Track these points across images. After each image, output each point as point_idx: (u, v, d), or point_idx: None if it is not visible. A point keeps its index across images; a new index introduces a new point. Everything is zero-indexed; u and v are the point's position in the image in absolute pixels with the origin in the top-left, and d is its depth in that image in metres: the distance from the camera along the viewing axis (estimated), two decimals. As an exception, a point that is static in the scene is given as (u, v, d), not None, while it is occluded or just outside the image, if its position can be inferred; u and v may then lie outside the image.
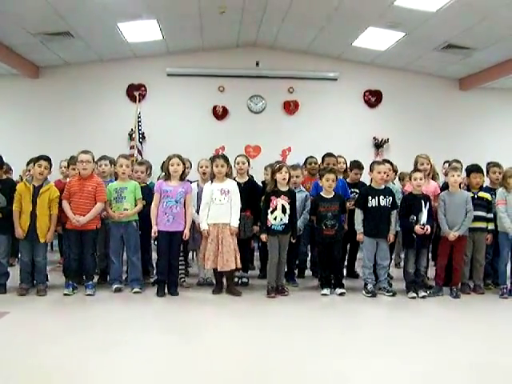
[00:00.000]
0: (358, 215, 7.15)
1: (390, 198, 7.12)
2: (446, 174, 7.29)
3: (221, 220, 6.88)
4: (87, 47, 11.20)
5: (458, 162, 8.22)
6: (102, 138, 11.18)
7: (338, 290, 7.03)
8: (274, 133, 12.44)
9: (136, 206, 7.07)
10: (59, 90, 12.14)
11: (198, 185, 7.44)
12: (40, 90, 12.14)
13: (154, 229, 6.83)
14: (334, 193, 7.18)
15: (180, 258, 7.30)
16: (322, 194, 7.23)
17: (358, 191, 7.74)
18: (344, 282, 7.26)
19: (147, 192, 7.21)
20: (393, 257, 8.08)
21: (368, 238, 7.10)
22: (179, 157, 6.94)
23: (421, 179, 7.03)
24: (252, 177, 7.85)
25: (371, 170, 7.26)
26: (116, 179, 7.38)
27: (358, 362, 4.64)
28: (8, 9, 8.63)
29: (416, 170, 7.26)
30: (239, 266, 6.96)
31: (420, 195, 7.03)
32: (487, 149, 11.35)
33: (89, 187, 6.87)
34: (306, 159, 8.71)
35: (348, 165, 8.38)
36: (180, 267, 7.30)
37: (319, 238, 7.20)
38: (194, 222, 7.17)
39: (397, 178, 8.93)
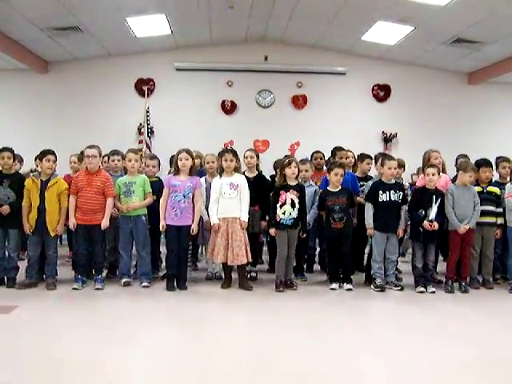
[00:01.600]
0: (369, 209, 7.13)
1: (401, 192, 7.10)
2: (459, 169, 7.24)
3: (230, 214, 6.88)
4: (96, 42, 11.21)
5: (464, 156, 8.21)
6: (110, 133, 11.23)
7: (346, 286, 7.04)
8: (282, 127, 12.44)
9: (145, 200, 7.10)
10: (68, 85, 12.17)
11: (205, 180, 7.45)
12: (49, 84, 12.18)
13: (162, 223, 6.84)
14: (340, 186, 7.17)
15: (189, 253, 7.35)
16: (329, 188, 7.22)
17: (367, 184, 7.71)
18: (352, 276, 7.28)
19: (159, 186, 7.20)
20: (400, 251, 8.06)
21: (378, 233, 7.08)
22: (188, 151, 6.93)
23: (433, 174, 7.00)
24: (261, 172, 7.84)
25: (382, 164, 7.24)
26: (126, 174, 7.39)
27: (367, 357, 4.65)
28: (17, 3, 8.65)
29: (430, 165, 7.22)
30: (250, 259, 6.98)
31: (432, 190, 7.01)
32: (496, 143, 11.28)
33: (97, 182, 6.89)
34: (312, 154, 8.69)
35: (356, 159, 8.35)
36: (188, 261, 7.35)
37: (328, 231, 7.19)
38: (202, 218, 7.19)
39: (406, 173, 8.88)
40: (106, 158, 7.84)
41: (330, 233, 7.14)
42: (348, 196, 7.13)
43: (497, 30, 9.65)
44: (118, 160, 7.56)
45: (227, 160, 6.96)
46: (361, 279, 7.50)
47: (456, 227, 6.96)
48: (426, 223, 6.86)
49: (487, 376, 4.29)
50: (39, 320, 5.58)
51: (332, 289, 7.01)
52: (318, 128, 12.28)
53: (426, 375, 4.27)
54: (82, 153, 7.47)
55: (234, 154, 7.07)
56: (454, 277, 7.11)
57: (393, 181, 7.20)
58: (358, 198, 7.50)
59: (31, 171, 8.00)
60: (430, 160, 7.48)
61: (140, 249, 7.09)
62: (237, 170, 7.09)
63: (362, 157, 8.14)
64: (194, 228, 6.88)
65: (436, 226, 6.86)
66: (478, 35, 10.09)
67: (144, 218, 7.09)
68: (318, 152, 8.61)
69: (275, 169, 8.31)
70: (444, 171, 7.79)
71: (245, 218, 6.90)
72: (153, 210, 7.07)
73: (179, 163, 6.88)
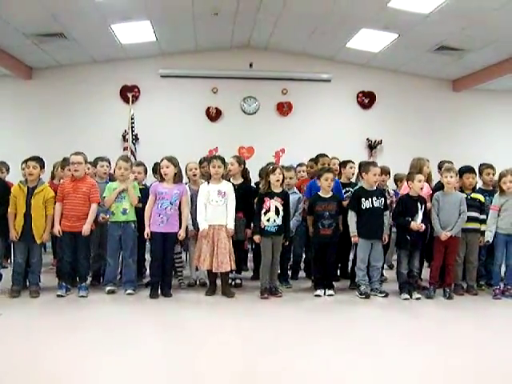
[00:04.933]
0: (352, 217, 7.13)
1: (382, 199, 7.13)
2: (441, 175, 7.29)
3: (216, 221, 6.87)
4: (80, 48, 11.16)
5: (450, 162, 8.25)
6: (95, 140, 11.14)
7: (327, 292, 7.04)
8: (267, 134, 12.44)
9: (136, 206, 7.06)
10: (52, 92, 12.10)
11: (189, 188, 7.42)
12: (33, 91, 12.10)
13: (147, 230, 6.81)
14: (331, 193, 7.19)
15: (179, 260, 7.33)
16: (319, 193, 7.22)
17: (352, 190, 7.69)
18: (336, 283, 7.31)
19: (145, 194, 7.15)
20: (386, 258, 8.07)
21: (363, 240, 7.08)
22: (169, 159, 6.92)
23: (424, 181, 7.08)
24: (250, 180, 7.84)
25: (366, 171, 7.24)
26: (111, 180, 7.36)
27: (351, 364, 4.64)
28: (1, 10, 8.60)
29: (418, 172, 7.26)
30: (234, 267, 6.97)
31: (416, 197, 7.04)
32: (480, 150, 11.36)
33: (83, 188, 6.85)
34: (309, 161, 8.66)
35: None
36: (178, 269, 7.35)
37: (315, 237, 7.19)
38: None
39: (391, 180, 8.91)
40: (91, 165, 7.79)
41: (318, 239, 7.13)
42: (338, 203, 7.15)
43: (479, 38, 9.74)
44: (107, 166, 7.56)
45: (215, 166, 6.95)
46: (346, 285, 7.53)
47: (438, 234, 6.99)
48: (413, 224, 6.87)
49: (470, 381, 4.32)
50: (22, 327, 5.55)
51: (317, 295, 7.00)
52: (302, 135, 12.30)
53: (408, 381, 4.29)
54: (65, 159, 7.44)
55: (222, 160, 7.07)
56: (436, 283, 7.14)
57: (374, 187, 7.22)
58: (343, 202, 7.50)
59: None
60: (422, 169, 7.51)
61: (127, 256, 7.03)
62: (223, 177, 7.09)
63: (344, 162, 8.15)
64: (182, 233, 6.88)
65: (423, 227, 6.89)
66: (461, 43, 10.18)
67: (133, 224, 7.03)
68: (311, 160, 8.57)
69: (261, 176, 8.30)
70: (428, 179, 7.82)
71: (231, 225, 6.90)
72: (139, 217, 7.03)
73: (161, 171, 6.89)
